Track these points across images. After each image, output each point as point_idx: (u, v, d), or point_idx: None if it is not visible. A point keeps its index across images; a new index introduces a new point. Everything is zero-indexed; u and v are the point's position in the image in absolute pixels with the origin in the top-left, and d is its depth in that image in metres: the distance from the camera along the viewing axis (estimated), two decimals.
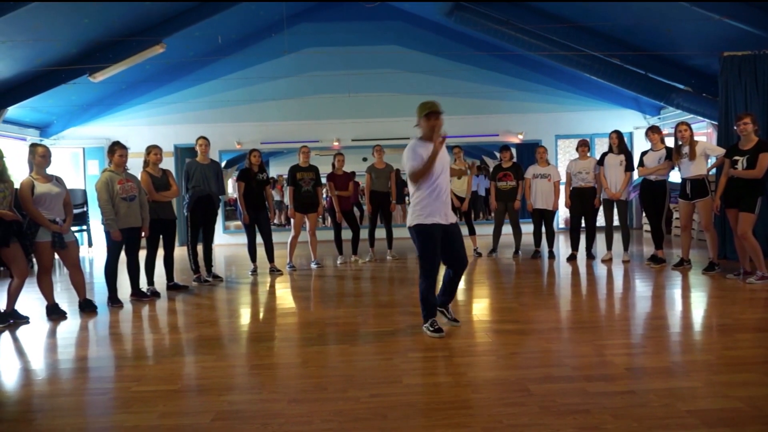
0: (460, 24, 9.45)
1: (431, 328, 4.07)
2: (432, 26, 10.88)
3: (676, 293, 5.47)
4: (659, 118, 11.01)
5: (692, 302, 5.15)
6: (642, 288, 5.77)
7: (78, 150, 11.10)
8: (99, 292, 6.09)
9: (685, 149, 6.21)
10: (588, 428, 2.52)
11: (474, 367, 3.45)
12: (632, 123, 11.41)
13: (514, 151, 9.29)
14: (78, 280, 5.30)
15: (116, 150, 5.49)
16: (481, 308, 5.13)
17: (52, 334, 4.65)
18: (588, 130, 11.33)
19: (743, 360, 3.37)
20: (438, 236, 3.99)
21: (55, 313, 5.10)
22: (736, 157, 5.58)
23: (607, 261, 7.17)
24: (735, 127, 5.66)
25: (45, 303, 5.15)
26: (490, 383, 3.15)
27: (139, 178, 5.80)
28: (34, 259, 5.14)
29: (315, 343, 4.09)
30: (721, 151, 6.05)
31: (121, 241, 5.52)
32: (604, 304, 5.16)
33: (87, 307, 5.29)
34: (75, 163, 11.10)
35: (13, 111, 9.02)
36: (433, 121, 3.95)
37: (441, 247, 4.03)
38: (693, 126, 6.44)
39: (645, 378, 3.11)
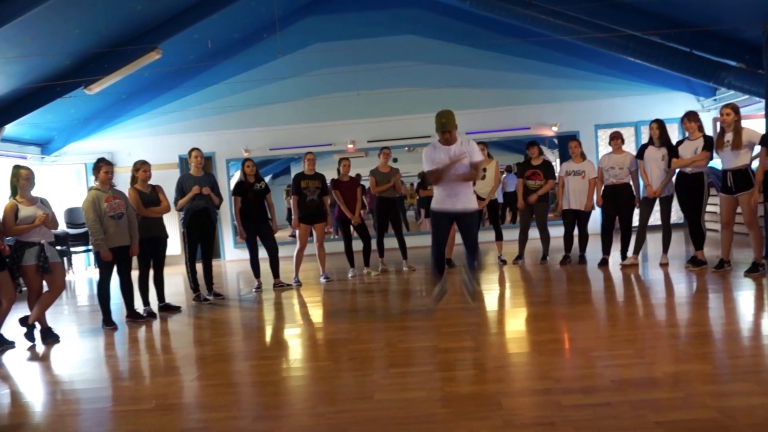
0: (477, 8, 9.66)
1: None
2: (451, 11, 11.07)
3: (705, 299, 5.54)
4: (714, 100, 10.89)
5: (715, 309, 5.21)
6: (669, 295, 5.87)
7: (80, 166, 11.83)
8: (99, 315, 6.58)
9: (728, 136, 6.21)
10: None
11: (452, 382, 3.73)
12: (684, 107, 11.17)
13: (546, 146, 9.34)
14: (46, 303, 5.60)
15: (101, 167, 5.98)
16: (483, 321, 5.36)
17: (46, 357, 5.16)
18: (633, 118, 11.33)
19: (744, 369, 3.52)
20: (443, 222, 5.41)
21: (49, 337, 5.62)
22: None
23: (664, 265, 7.19)
24: None
25: (38, 327, 5.68)
26: (463, 397, 3.42)
27: (126, 194, 6.27)
28: (22, 282, 5.68)
29: (299, 361, 4.44)
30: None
31: (112, 261, 6.00)
32: (621, 313, 5.31)
33: (48, 336, 5.61)
34: (78, 179, 11.85)
35: (11, 129, 9.78)
36: (447, 136, 5.18)
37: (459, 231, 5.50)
38: (751, 108, 6.30)
39: (628, 389, 3.31)
